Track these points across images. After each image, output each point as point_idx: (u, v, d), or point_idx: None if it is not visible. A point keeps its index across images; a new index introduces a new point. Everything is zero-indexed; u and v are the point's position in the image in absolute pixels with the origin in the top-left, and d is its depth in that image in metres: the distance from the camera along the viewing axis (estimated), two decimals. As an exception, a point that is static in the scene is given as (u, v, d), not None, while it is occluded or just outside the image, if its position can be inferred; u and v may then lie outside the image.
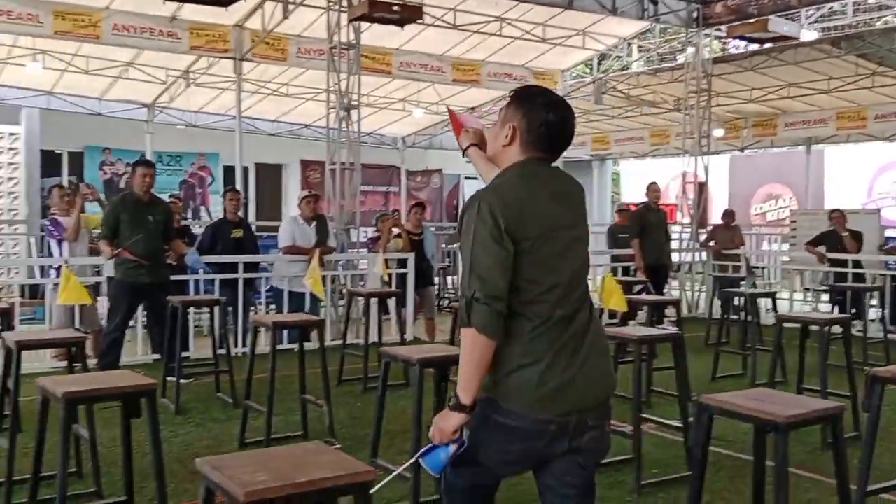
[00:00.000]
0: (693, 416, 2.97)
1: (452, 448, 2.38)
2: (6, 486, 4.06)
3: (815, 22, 13.70)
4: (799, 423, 2.80)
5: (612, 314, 9.39)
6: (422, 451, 2.43)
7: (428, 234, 9.75)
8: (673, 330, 5.53)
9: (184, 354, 6.81)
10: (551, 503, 2.48)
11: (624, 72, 14.61)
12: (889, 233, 13.19)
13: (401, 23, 8.27)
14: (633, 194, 18.36)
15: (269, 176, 18.04)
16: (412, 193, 19.37)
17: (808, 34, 11.81)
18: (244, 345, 8.37)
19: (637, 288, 8.77)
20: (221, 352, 6.94)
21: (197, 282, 8.19)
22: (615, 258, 10.71)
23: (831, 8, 12.97)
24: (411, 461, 2.61)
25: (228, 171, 15.80)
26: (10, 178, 13.62)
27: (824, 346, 5.35)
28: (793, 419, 2.76)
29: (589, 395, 2.39)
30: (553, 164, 2.52)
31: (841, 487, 2.98)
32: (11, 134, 13.65)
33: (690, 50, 12.64)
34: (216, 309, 6.85)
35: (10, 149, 13.63)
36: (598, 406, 2.42)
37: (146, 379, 3.31)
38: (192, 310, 7.86)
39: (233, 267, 8.30)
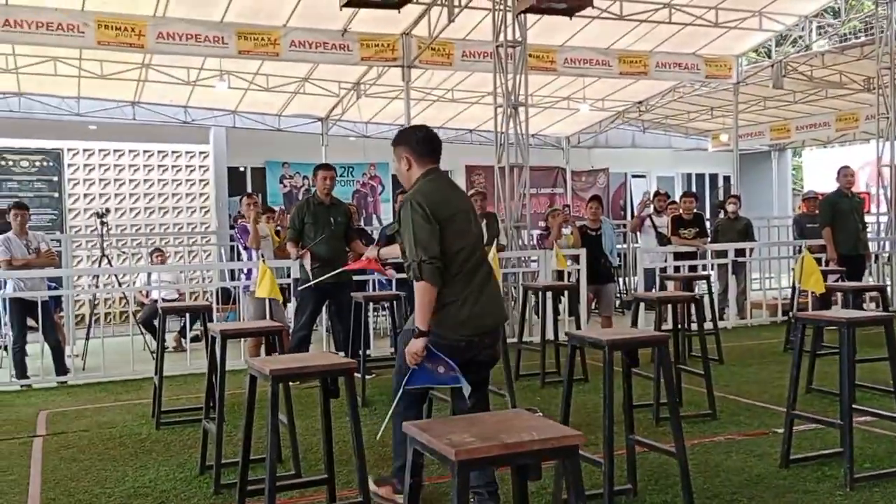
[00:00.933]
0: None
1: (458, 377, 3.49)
2: (216, 469, 4.33)
3: None
4: None
5: (801, 307, 8.82)
6: (405, 381, 3.54)
7: (607, 228, 9.48)
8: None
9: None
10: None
11: (805, 52, 13.72)
12: None
13: (569, 12, 8.12)
14: (817, 186, 17.21)
15: (437, 182, 18.37)
16: (577, 194, 19.13)
17: None
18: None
19: (831, 279, 8.16)
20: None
21: (374, 282, 8.43)
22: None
23: None
24: (398, 396, 3.59)
25: (396, 180, 16.28)
26: (202, 194, 14.67)
27: None
28: None
29: (487, 324, 3.66)
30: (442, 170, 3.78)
31: None
32: (202, 152, 14.71)
33: (883, 23, 11.69)
34: (395, 304, 7.00)
35: (201, 166, 14.69)
36: (491, 332, 3.71)
37: (344, 360, 3.41)
38: (370, 306, 8.07)
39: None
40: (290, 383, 4.49)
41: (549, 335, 7.45)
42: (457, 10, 9.75)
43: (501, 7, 9.06)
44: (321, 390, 3.45)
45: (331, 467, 3.46)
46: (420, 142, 3.70)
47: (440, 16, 10.30)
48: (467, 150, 17.53)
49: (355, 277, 7.74)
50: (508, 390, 5.30)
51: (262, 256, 7.02)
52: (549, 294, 7.52)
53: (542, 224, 10.12)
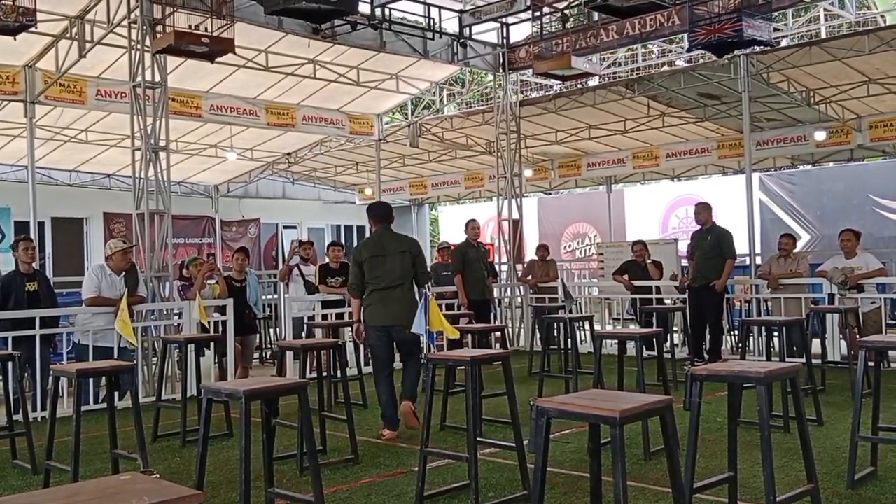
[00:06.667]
0: (532, 420, 2.95)
1: None
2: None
3: (609, 67, 14.71)
4: (632, 415, 2.85)
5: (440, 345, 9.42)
6: None
7: (252, 280, 9.40)
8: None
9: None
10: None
11: (437, 115, 14.99)
12: (684, 262, 14.16)
13: (210, 56, 7.93)
14: (452, 237, 18.73)
15: (69, 230, 16.81)
16: (228, 244, 18.74)
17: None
18: (43, 408, 7.60)
19: (462, 322, 8.85)
20: (17, 417, 6.26)
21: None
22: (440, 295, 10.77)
23: (629, 52, 13.94)
24: None
25: (21, 227, 14.56)
26: None
27: (640, 350, 5.67)
28: (627, 412, 2.80)
29: (392, 320, 6.23)
30: (389, 227, 6.49)
31: (674, 480, 3.06)
32: None
33: (500, 93, 13.16)
34: (10, 366, 6.15)
35: None
36: (398, 324, 6.17)
37: None
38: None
39: (29, 323, 7.55)
40: None
41: (192, 392, 7.07)
42: (88, 45, 9.05)
43: (139, 46, 8.59)
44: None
45: None
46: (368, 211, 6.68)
47: (69, 50, 9.50)
48: (105, 197, 16.34)
49: None
50: (140, 453, 4.86)
51: None
52: (191, 347, 7.15)
53: (185, 273, 9.68)
